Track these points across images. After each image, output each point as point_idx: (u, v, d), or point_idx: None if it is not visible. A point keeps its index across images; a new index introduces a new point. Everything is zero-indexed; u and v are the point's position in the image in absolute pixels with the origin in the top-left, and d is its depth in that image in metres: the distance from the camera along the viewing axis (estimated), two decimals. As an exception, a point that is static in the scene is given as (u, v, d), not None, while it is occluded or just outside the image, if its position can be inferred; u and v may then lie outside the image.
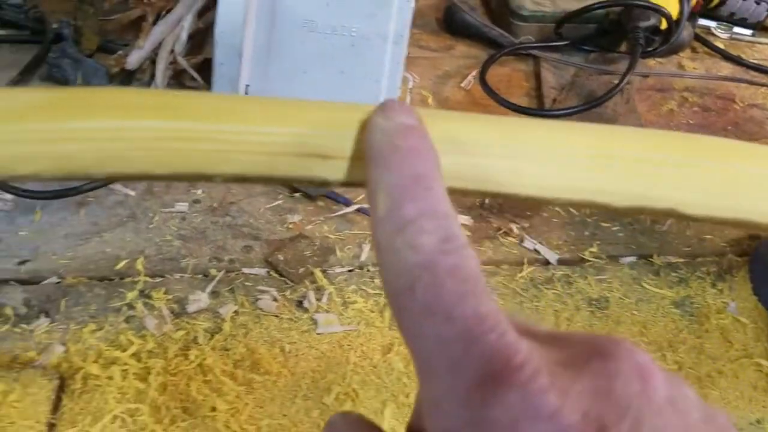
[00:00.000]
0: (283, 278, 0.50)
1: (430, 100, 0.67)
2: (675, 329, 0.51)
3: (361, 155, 0.22)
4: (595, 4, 0.68)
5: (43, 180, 0.20)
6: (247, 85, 0.59)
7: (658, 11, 0.68)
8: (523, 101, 0.68)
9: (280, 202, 0.56)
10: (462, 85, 0.69)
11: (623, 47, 0.74)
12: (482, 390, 0.15)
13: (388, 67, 0.58)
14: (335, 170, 0.22)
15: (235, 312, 0.47)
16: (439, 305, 0.15)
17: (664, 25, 0.70)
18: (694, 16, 0.81)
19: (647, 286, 0.53)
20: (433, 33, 0.75)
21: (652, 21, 0.69)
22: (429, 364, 0.16)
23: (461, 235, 0.17)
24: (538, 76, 0.70)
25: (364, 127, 0.20)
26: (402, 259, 0.16)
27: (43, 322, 0.45)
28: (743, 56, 0.81)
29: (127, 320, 0.46)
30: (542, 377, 0.15)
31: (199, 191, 0.55)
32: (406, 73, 0.68)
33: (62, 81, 0.61)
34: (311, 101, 0.24)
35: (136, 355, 0.44)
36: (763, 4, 0.83)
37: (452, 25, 0.74)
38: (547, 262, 0.54)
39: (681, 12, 0.71)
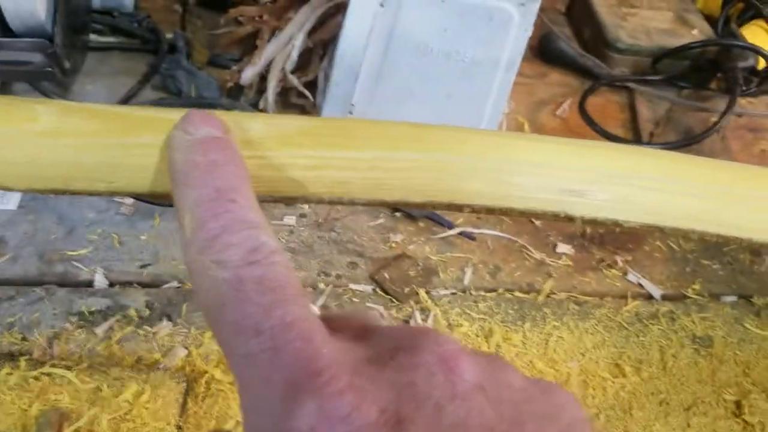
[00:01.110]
0: (389, 296, 0.50)
1: (526, 127, 0.67)
2: (780, 374, 0.49)
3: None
4: (694, 42, 0.67)
5: (310, 202, 0.20)
6: (353, 105, 0.59)
7: (758, 52, 0.66)
8: (618, 132, 0.68)
9: (382, 221, 0.56)
10: (557, 113, 0.69)
11: (714, 85, 0.73)
12: (287, 400, 0.14)
13: (495, 93, 0.58)
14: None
15: (346, 327, 0.47)
16: (246, 321, 0.15)
17: (761, 65, 0.69)
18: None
19: (749, 327, 0.52)
20: (527, 60, 0.75)
21: (750, 61, 0.67)
22: (243, 378, 0.15)
23: (270, 241, 0.16)
24: (632, 108, 0.69)
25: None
26: (211, 277, 0.16)
27: (165, 325, 0.45)
28: (833, 98, 0.79)
29: (244, 329, 0.46)
30: (340, 380, 0.14)
31: (306, 206, 0.56)
32: (501, 99, 0.68)
33: (176, 92, 0.62)
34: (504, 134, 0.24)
35: (253, 364, 0.44)
36: None
37: (547, 53, 0.74)
38: (650, 297, 0.53)
39: (778, 52, 0.70)
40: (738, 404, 0.46)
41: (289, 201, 0.21)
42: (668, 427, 0.45)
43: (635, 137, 0.66)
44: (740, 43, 0.67)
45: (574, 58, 0.72)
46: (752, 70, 0.68)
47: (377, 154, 0.22)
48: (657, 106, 0.70)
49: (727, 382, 0.48)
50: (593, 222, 0.22)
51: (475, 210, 0.23)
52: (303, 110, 0.62)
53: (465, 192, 0.22)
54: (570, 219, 0.22)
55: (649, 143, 0.64)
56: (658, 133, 0.66)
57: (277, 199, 0.21)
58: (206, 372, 0.43)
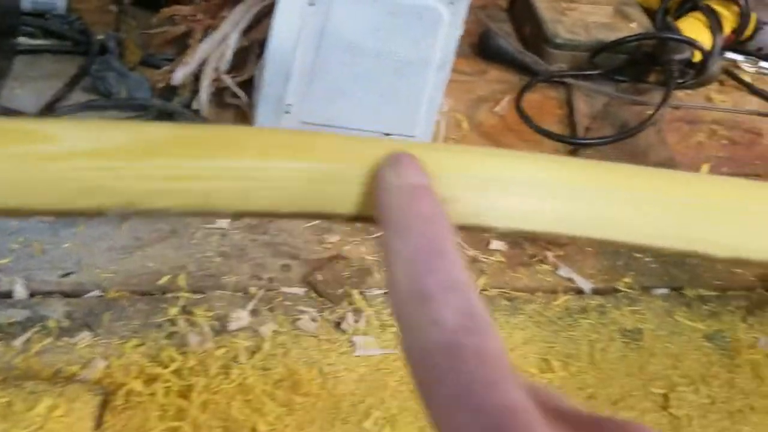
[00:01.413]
0: (321, 298, 0.49)
1: (464, 124, 0.67)
2: (707, 363, 0.50)
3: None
4: (631, 36, 0.67)
5: (170, 216, 0.20)
6: (289, 105, 0.58)
7: (693, 45, 0.67)
8: (555, 128, 0.68)
9: (318, 222, 0.55)
10: (496, 110, 0.69)
11: (653, 78, 0.73)
12: None
13: (429, 93, 0.58)
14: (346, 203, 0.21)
15: (275, 331, 0.47)
16: (468, 394, 0.15)
17: (697, 58, 0.70)
18: (723, 49, 0.80)
19: (680, 319, 0.52)
20: (467, 57, 0.75)
21: (686, 54, 0.68)
22: None
23: (482, 308, 0.16)
24: (570, 104, 0.70)
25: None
26: (425, 336, 0.16)
27: (85, 336, 0.44)
28: (769, 90, 0.80)
29: (169, 336, 0.45)
30: None
31: (239, 208, 0.55)
32: (441, 97, 0.68)
33: (106, 93, 0.60)
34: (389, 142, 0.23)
35: (177, 372, 0.43)
36: (790, 39, 0.82)
37: (486, 50, 0.73)
38: (581, 291, 0.53)
39: (713, 46, 0.71)
40: (666, 397, 0.47)
41: (148, 215, 0.20)
42: (595, 421, 0.45)
43: (572, 132, 0.67)
44: (675, 36, 0.67)
45: (513, 55, 0.72)
46: (688, 63, 0.69)
47: (248, 163, 0.21)
48: (595, 100, 0.70)
49: (656, 375, 0.48)
50: (464, 228, 0.22)
51: (349, 220, 0.22)
52: (238, 110, 0.61)
53: (336, 202, 0.21)
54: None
55: (585, 138, 0.65)
56: (595, 127, 0.66)
57: (137, 213, 0.20)
58: (125, 384, 0.42)
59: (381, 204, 0.18)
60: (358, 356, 0.46)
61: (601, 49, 0.69)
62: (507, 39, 0.73)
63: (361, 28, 0.54)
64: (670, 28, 0.70)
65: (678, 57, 0.67)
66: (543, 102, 0.71)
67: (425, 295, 0.16)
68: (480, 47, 0.74)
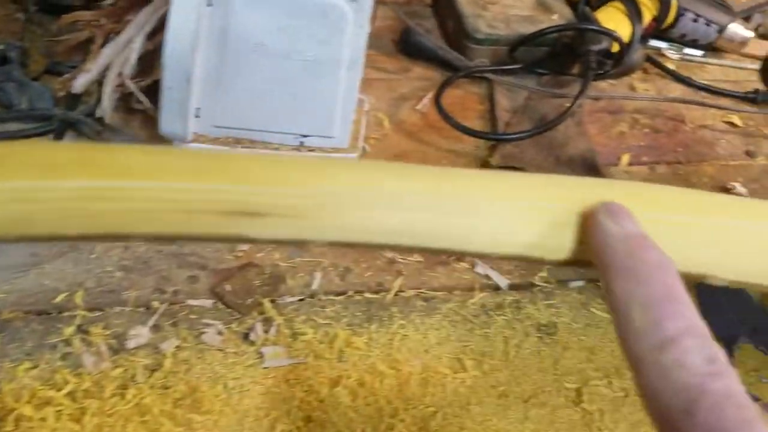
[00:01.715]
0: (229, 310, 0.48)
1: (385, 123, 0.65)
2: (621, 355, 0.49)
3: (297, 213, 0.20)
4: (548, 28, 0.67)
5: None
6: (198, 108, 0.56)
7: (610, 35, 0.67)
8: (477, 124, 0.67)
9: (229, 228, 0.53)
10: (418, 107, 0.68)
11: (575, 70, 0.73)
12: None
13: (342, 93, 0.56)
14: (264, 228, 0.21)
15: (177, 347, 0.45)
16: None
17: (615, 48, 0.70)
18: (646, 37, 0.81)
19: (595, 311, 0.52)
20: (389, 55, 0.74)
21: (604, 44, 0.68)
22: None
23: (722, 353, 0.17)
24: (491, 99, 0.69)
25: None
26: (672, 378, 0.17)
27: (-27, 361, 0.42)
28: (693, 77, 0.81)
29: (64, 357, 0.43)
30: None
31: (146, 218, 0.53)
32: (361, 96, 0.66)
33: (7, 105, 0.58)
34: (241, 155, 0.22)
35: (71, 395, 0.41)
36: (713, 25, 0.83)
37: (408, 48, 0.72)
38: (498, 288, 0.53)
39: (633, 35, 0.71)
40: (578, 392, 0.47)
41: (56, 239, 0.20)
42: (506, 421, 0.44)
43: (492, 128, 0.66)
44: (591, 27, 0.67)
45: (435, 52, 0.71)
46: (606, 53, 0.69)
47: (29, 184, 0.19)
48: (516, 95, 0.70)
49: (570, 370, 0.48)
50: (274, 242, 0.21)
51: (147, 239, 0.21)
52: (146, 116, 0.59)
53: (136, 224, 0.20)
54: (246, 240, 0.20)
55: (503, 133, 0.64)
56: (515, 122, 0.66)
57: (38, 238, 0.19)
58: (16, 409, 0.40)
59: (605, 251, 0.20)
60: (266, 368, 0.45)
61: (519, 43, 0.68)
62: (429, 36, 0.72)
63: (264, 28, 0.53)
64: (588, 18, 0.70)
65: (595, 48, 0.67)
66: (465, 98, 0.70)
67: (667, 339, 0.17)
68: (402, 45, 0.73)
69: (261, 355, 0.45)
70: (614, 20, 0.71)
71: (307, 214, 0.20)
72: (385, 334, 0.48)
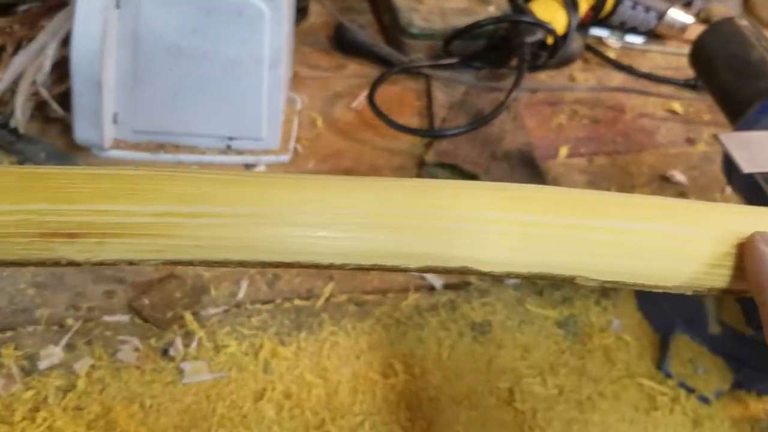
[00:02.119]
0: (148, 324, 0.46)
1: (319, 122, 0.64)
2: (557, 351, 0.49)
3: (122, 232, 0.19)
4: (481, 21, 0.66)
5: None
6: (116, 114, 0.54)
7: (543, 27, 0.66)
8: (414, 121, 0.66)
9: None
10: (353, 106, 0.66)
11: (513, 63, 0.72)
12: None
13: (266, 93, 0.55)
14: (85, 250, 0.19)
15: (92, 366, 0.43)
16: None
17: (551, 39, 0.69)
18: (585, 26, 0.80)
19: (531, 308, 0.51)
20: (324, 52, 0.72)
21: (538, 36, 0.67)
22: None
23: None
24: (429, 95, 0.68)
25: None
26: None
27: None
28: (635, 65, 0.80)
29: (-32, 384, 0.41)
30: None
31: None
32: (294, 95, 0.65)
33: None
34: (77, 171, 0.20)
35: (-26, 424, 0.39)
36: (652, 12, 0.83)
37: (343, 44, 0.71)
38: (432, 288, 0.52)
39: (569, 25, 0.70)
40: (511, 391, 0.45)
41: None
42: (436, 426, 0.43)
43: (429, 124, 0.65)
44: (523, 19, 0.66)
45: (370, 48, 0.69)
46: (541, 44, 0.68)
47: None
48: (454, 89, 0.68)
49: (504, 369, 0.47)
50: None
51: (72, 263, 0.20)
52: (63, 124, 0.56)
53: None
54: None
55: (440, 130, 0.63)
56: (451, 117, 0.64)
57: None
58: None
59: (764, 276, 0.22)
60: (186, 384, 0.43)
61: (453, 36, 0.67)
62: (364, 31, 0.70)
63: (176, 29, 0.50)
64: (522, 10, 0.69)
65: (529, 40, 0.66)
66: (402, 94, 0.69)
67: None
68: (336, 41, 0.71)
69: (181, 371, 0.43)
70: (549, 11, 0.70)
71: (134, 233, 0.18)
72: (315, 342, 0.46)
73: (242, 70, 0.53)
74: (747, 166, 0.32)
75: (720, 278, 0.24)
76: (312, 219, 0.21)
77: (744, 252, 0.24)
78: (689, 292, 0.26)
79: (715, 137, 0.34)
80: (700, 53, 0.51)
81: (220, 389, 0.43)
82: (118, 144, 0.55)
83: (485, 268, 0.21)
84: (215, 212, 0.19)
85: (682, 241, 0.24)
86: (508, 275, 0.22)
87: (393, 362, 0.46)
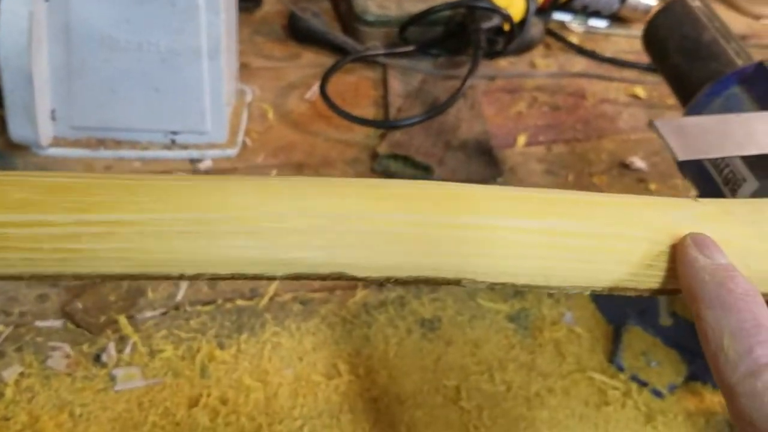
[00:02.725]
0: (81, 329, 0.43)
1: (270, 114, 0.61)
2: (507, 345, 0.47)
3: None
4: (435, 7, 0.63)
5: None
6: (53, 110, 0.51)
7: (498, 12, 0.64)
8: (369, 111, 0.63)
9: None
10: (306, 96, 0.64)
11: (471, 50, 0.70)
12: None
13: (208, 84, 0.52)
14: None
15: (21, 374, 0.40)
16: None
17: (508, 25, 0.66)
18: (546, 11, 0.78)
19: (482, 302, 0.49)
20: (278, 41, 0.69)
21: (495, 21, 0.65)
22: None
23: None
24: (385, 84, 0.65)
25: (673, 259, 0.22)
26: (766, 402, 0.17)
27: None
28: (598, 50, 0.78)
29: None
30: None
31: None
32: (243, 86, 0.62)
33: None
34: None
35: None
36: (615, -5, 0.80)
37: (297, 33, 0.68)
38: (381, 284, 0.49)
39: (527, 10, 0.68)
40: (457, 389, 0.44)
41: None
42: (378, 427, 0.41)
43: (385, 114, 0.62)
44: (478, 4, 0.63)
45: (325, 36, 0.67)
46: (498, 30, 0.66)
47: None
48: (411, 78, 0.66)
49: (452, 366, 0.45)
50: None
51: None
52: (2, 122, 0.53)
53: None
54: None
55: (394, 120, 0.60)
56: (406, 107, 0.62)
57: None
58: None
59: (694, 281, 0.21)
60: (119, 391, 0.41)
61: (407, 23, 0.64)
62: (319, 19, 0.67)
63: (109, 19, 0.48)
64: (478, -5, 0.66)
65: (486, 25, 0.63)
66: (359, 84, 0.66)
67: (760, 366, 0.18)
68: (290, 29, 0.68)
69: (113, 378, 0.41)
70: (508, -5, 0.67)
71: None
72: (256, 344, 0.44)
73: (180, 61, 0.50)
74: (682, 153, 0.30)
75: (652, 279, 0.23)
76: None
77: (676, 256, 0.22)
78: (617, 293, 0.24)
79: (650, 124, 0.31)
80: (651, 35, 0.49)
81: (154, 396, 0.41)
82: (57, 141, 0.53)
83: (360, 273, 0.19)
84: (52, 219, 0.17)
85: (607, 240, 0.22)
86: (388, 280, 0.20)
87: (337, 362, 0.44)
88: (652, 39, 0.49)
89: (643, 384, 0.45)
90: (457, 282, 0.21)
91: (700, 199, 0.23)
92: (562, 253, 0.21)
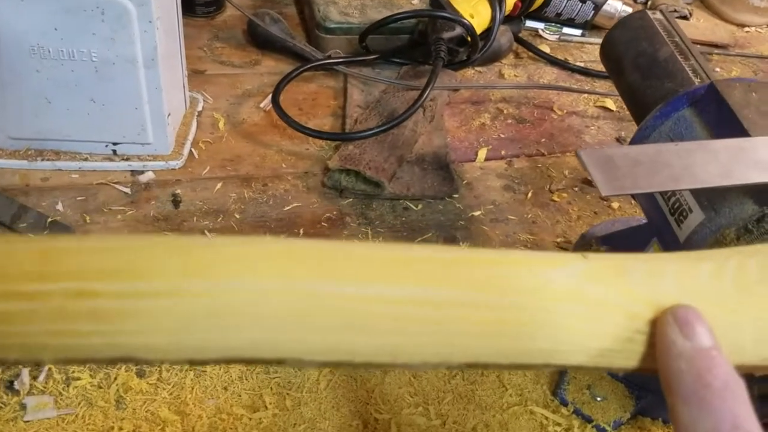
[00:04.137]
0: (-5, 354, 0.40)
1: (221, 124, 0.57)
2: (448, 375, 0.43)
3: None
4: (393, 16, 0.59)
5: None
6: (-14, 122, 0.47)
7: (459, 22, 0.59)
8: (327, 122, 0.59)
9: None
10: (261, 105, 0.59)
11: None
12: None
13: (147, 94, 0.48)
14: None
15: (-76, 403, 0.37)
16: None
17: (469, 36, 0.62)
18: (514, 19, 0.73)
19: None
20: (238, 47, 0.65)
21: (457, 31, 0.60)
22: None
23: None
24: (345, 94, 0.61)
25: (654, 342, 0.19)
26: None
27: None
28: (571, 59, 0.74)
29: None
30: None
31: None
32: (196, 94, 0.58)
33: None
34: None
35: None
36: (589, 2, 0.75)
37: (257, 39, 0.64)
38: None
39: (493, 19, 0.63)
40: (388, 424, 0.40)
41: None
42: (298, 468, 0.37)
43: (342, 126, 0.58)
44: (439, 13, 0.59)
45: (284, 43, 0.62)
46: (461, 40, 0.61)
47: None
48: (372, 88, 0.61)
49: (386, 398, 0.41)
50: None
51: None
52: (-65, 132, 0.49)
53: None
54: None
55: (349, 133, 0.56)
56: (363, 119, 0.58)
57: None
58: None
59: (670, 370, 0.18)
60: (28, 422, 0.37)
61: (367, 31, 0.60)
62: (278, 25, 0.63)
63: (37, 29, 0.44)
64: (440, 4, 0.61)
65: (447, 35, 0.59)
66: (319, 93, 0.62)
67: None
68: (250, 36, 0.64)
69: (23, 407, 0.37)
70: (471, 4, 0.63)
71: None
72: (179, 372, 0.40)
73: (115, 71, 0.46)
74: (606, 188, 0.26)
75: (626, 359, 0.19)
76: None
77: (656, 336, 0.19)
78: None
79: (576, 154, 0.27)
80: (608, 50, 0.45)
81: (64, 428, 0.37)
82: (-7, 152, 0.49)
83: (150, 356, 0.16)
84: None
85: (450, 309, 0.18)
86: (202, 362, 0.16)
87: (264, 393, 0.40)
88: (608, 54, 0.45)
89: (587, 420, 0.41)
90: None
91: (589, 255, 0.19)
92: (419, 327, 0.17)
